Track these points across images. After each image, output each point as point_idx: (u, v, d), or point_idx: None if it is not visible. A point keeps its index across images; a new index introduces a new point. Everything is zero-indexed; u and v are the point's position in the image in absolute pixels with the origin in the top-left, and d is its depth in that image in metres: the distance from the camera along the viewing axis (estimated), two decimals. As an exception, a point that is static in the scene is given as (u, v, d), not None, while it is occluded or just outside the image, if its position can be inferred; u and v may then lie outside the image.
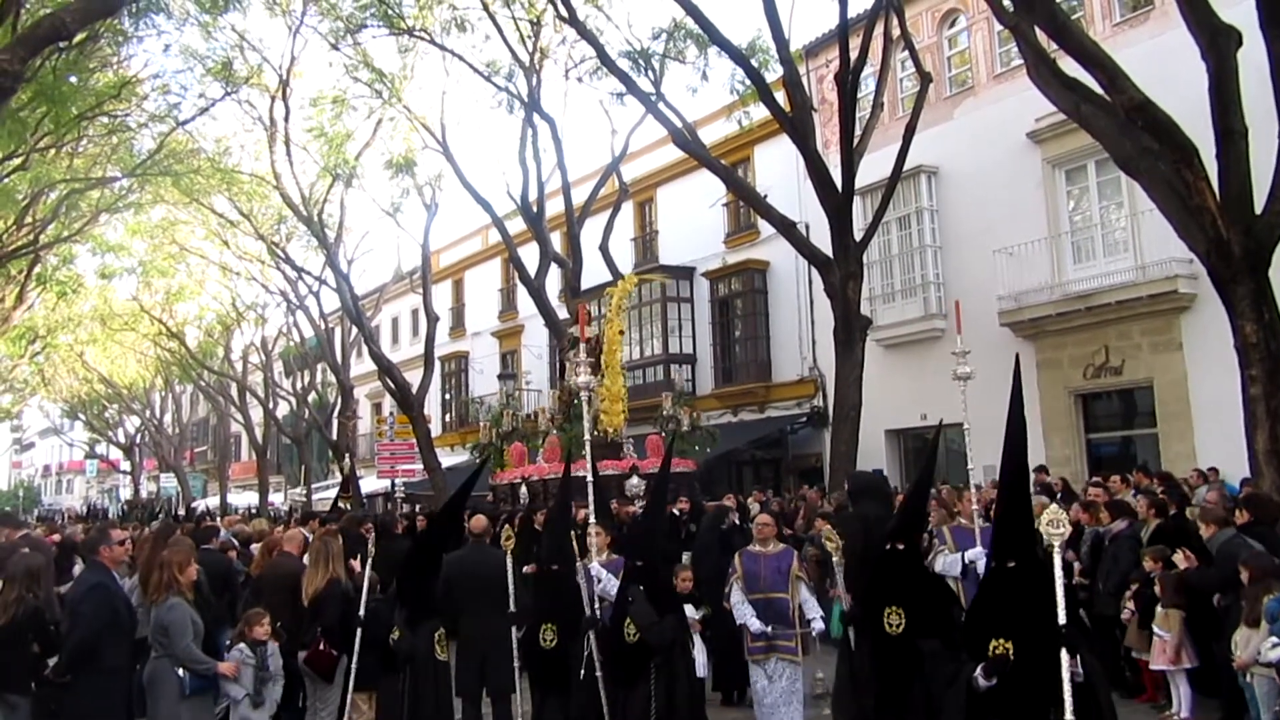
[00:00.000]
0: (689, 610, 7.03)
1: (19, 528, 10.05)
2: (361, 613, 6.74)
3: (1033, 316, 16.26)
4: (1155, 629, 7.82)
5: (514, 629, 6.87)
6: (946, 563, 7.68)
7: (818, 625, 7.25)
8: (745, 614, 7.20)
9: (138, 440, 52.31)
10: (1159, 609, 7.83)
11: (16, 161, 18.61)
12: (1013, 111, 16.62)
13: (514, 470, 16.06)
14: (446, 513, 7.74)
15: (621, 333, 15.87)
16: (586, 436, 7.73)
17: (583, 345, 8.31)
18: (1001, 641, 4.61)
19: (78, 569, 7.80)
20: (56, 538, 11.13)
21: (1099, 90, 9.27)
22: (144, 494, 50.56)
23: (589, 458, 7.65)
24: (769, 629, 7.11)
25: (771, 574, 7.27)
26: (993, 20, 15.59)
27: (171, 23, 19.42)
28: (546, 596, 6.99)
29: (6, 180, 18.96)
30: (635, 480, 13.77)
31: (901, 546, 5.76)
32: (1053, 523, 4.46)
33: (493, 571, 7.07)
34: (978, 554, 7.38)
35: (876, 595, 5.84)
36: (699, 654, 7.04)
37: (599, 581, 7.00)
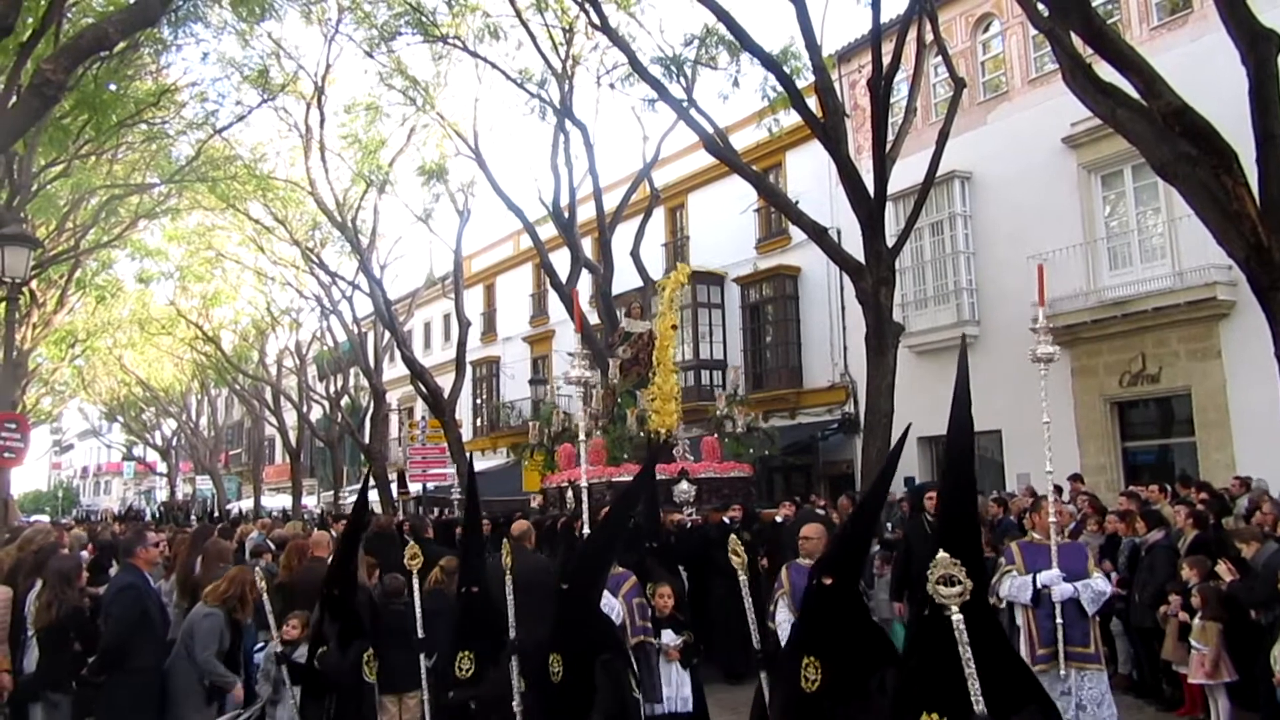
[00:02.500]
0: (668, 635, 6.43)
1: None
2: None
3: (1068, 323, 16.10)
4: (1193, 642, 7.71)
5: (421, 657, 6.27)
6: (1014, 586, 6.68)
7: None
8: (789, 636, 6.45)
9: (174, 443, 53.01)
10: (1196, 621, 7.72)
11: (58, 168, 18.93)
12: (1047, 116, 16.48)
13: (563, 473, 15.38)
14: (346, 537, 6.91)
15: (675, 327, 15.09)
16: (582, 437, 7.25)
17: (577, 336, 7.48)
18: (934, 716, 3.62)
19: (115, 570, 7.92)
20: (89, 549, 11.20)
21: (1135, 95, 9.17)
22: (180, 496, 51.21)
23: (582, 461, 7.11)
24: None
25: None
26: (1027, 25, 15.47)
27: (210, 31, 19.71)
28: (466, 621, 6.22)
29: (49, 187, 19.28)
30: (685, 485, 13.02)
31: (829, 581, 4.48)
32: (945, 580, 3.15)
33: (533, 575, 6.90)
34: (1052, 577, 6.47)
35: (797, 640, 4.72)
36: (684, 686, 6.46)
37: None
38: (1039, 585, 6.50)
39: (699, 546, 10.75)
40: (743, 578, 5.54)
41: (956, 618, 3.21)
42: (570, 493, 14.36)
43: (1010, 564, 6.85)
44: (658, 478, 13.29)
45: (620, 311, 22.17)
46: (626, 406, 15.11)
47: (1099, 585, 6.65)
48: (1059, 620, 6.40)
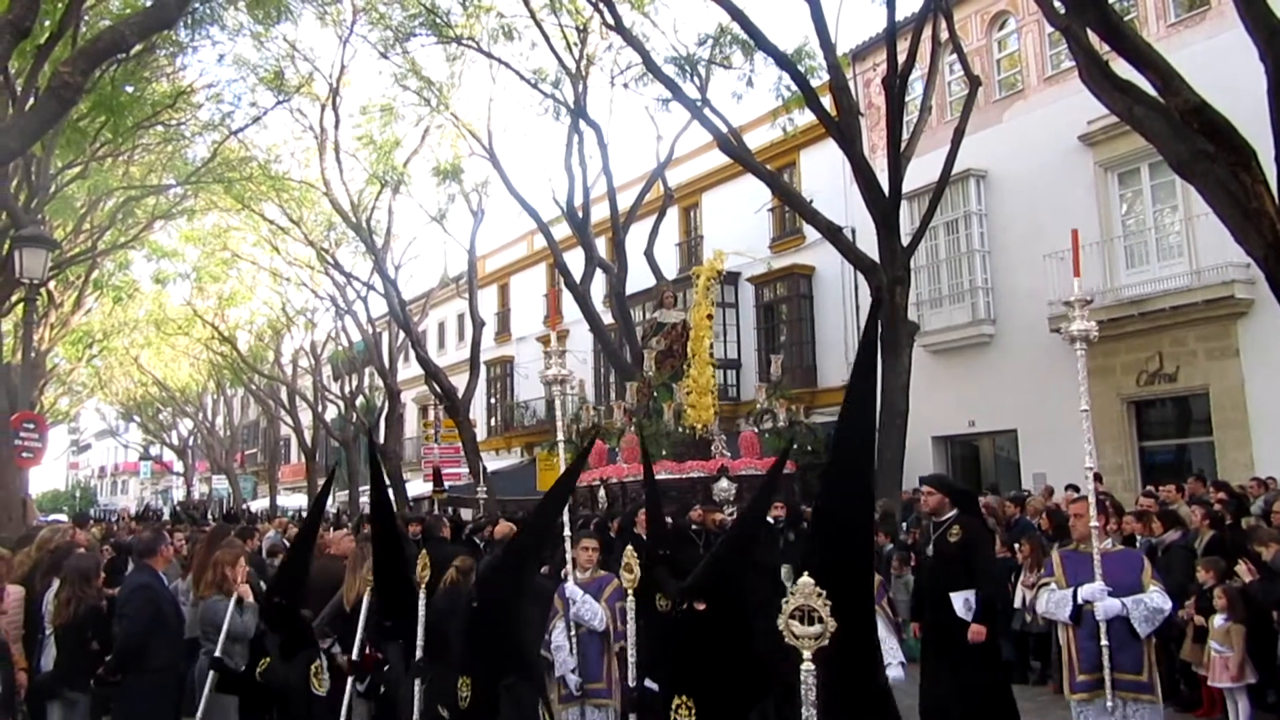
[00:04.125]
0: None
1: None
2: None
3: (1084, 322, 16.00)
4: (1214, 644, 7.65)
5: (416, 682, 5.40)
6: (1053, 602, 5.82)
7: (894, 673, 5.73)
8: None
9: (190, 442, 53.31)
10: (1216, 621, 7.65)
11: (76, 170, 19.05)
12: (1063, 114, 16.39)
13: (593, 472, 14.80)
14: (301, 538, 6.47)
15: (710, 317, 14.52)
16: (560, 438, 6.76)
17: (554, 334, 6.96)
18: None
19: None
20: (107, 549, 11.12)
21: (1153, 92, 9.10)
22: (196, 495, 51.49)
23: (562, 464, 6.67)
24: None
25: None
26: (1043, 22, 15.39)
27: (225, 34, 19.81)
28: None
29: (66, 188, 19.41)
30: (725, 483, 12.53)
31: (702, 608, 3.78)
32: (803, 615, 2.36)
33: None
34: (1095, 591, 5.53)
35: (666, 677, 4.10)
36: None
37: (573, 604, 5.99)
38: (1079, 600, 5.62)
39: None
40: (630, 600, 4.99)
41: (807, 668, 2.36)
42: (603, 491, 13.97)
43: (1049, 575, 5.98)
44: (696, 475, 12.88)
45: (638, 309, 22.23)
46: (663, 400, 14.73)
47: (1154, 601, 5.57)
48: (1104, 642, 5.47)
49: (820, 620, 2.35)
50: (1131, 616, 5.49)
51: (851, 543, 2.71)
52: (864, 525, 2.84)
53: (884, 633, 5.65)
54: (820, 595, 2.36)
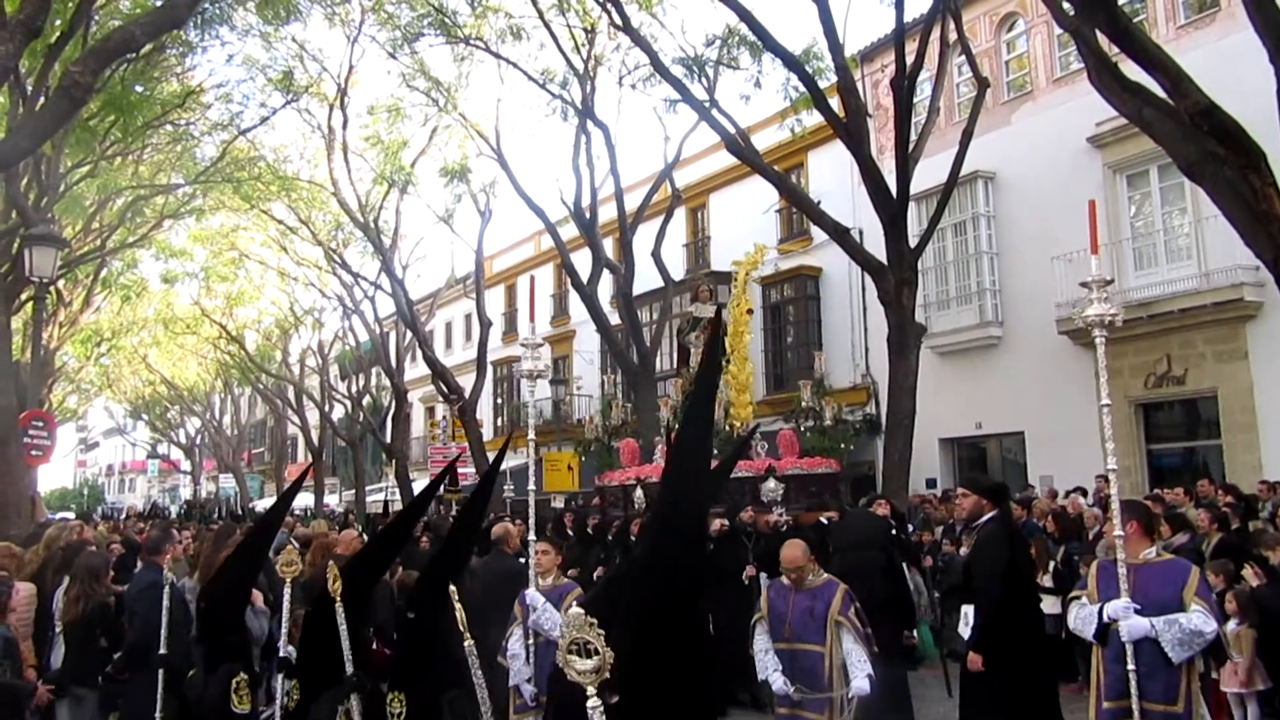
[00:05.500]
0: None
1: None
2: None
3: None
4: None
5: (352, 697, 4.87)
6: (1080, 619, 5.15)
7: (859, 686, 5.39)
8: (767, 667, 5.62)
9: (198, 441, 53.48)
10: (1228, 626, 7.62)
11: (85, 169, 19.12)
12: (1072, 116, 16.37)
13: (626, 470, 14.53)
14: (257, 536, 6.04)
15: (750, 312, 14.14)
16: (530, 425, 6.10)
17: (532, 326, 6.27)
18: None
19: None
20: (117, 547, 11.12)
21: (1162, 94, 9.08)
22: (203, 494, 51.61)
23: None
24: (791, 691, 5.48)
25: (800, 617, 5.56)
26: (1052, 23, 15.35)
27: (234, 34, 19.86)
28: (305, 646, 5.31)
29: (76, 187, 19.49)
30: (772, 484, 12.14)
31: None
32: (579, 649, 2.20)
33: (503, 583, 6.76)
34: (1119, 609, 4.79)
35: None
36: None
37: (533, 611, 5.66)
38: (1106, 617, 4.88)
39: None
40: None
41: (594, 704, 2.19)
42: (639, 491, 13.60)
43: (1082, 589, 5.30)
44: (744, 475, 12.58)
45: (645, 310, 22.23)
46: None
47: (1193, 622, 4.76)
48: (1131, 666, 4.73)
49: (596, 652, 2.18)
50: (1161, 639, 4.74)
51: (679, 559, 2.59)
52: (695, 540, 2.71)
53: (850, 644, 5.52)
54: (593, 625, 2.18)
